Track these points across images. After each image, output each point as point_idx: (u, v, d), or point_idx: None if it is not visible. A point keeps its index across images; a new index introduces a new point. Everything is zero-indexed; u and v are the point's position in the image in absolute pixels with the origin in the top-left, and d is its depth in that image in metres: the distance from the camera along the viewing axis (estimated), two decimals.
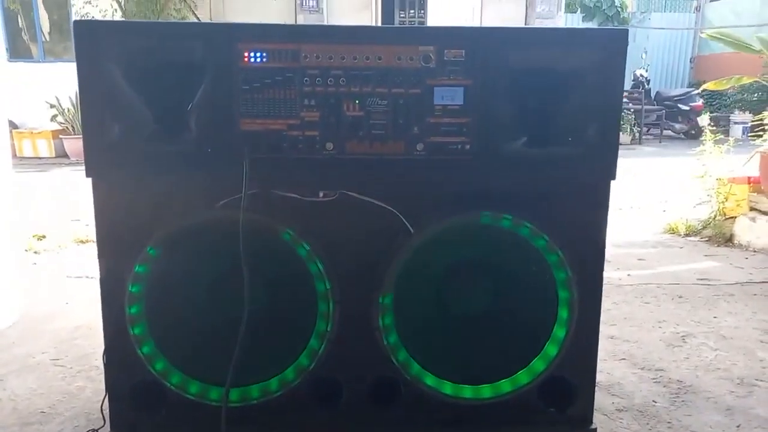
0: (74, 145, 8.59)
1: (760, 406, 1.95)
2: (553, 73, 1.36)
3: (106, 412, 1.52)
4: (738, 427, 1.84)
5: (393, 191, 1.41)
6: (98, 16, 8.56)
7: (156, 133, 1.35)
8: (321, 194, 1.41)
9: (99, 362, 1.52)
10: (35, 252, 3.79)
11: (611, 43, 1.34)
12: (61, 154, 8.93)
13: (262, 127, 1.36)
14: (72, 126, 8.81)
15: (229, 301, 1.41)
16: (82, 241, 4.00)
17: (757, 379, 2.13)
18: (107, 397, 1.50)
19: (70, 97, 8.71)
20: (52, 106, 8.94)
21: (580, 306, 1.45)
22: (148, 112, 1.34)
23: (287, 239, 1.41)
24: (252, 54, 1.33)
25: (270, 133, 1.36)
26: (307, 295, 1.45)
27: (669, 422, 1.86)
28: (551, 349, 1.48)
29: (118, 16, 8.73)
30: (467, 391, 1.49)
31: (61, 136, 8.92)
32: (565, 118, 1.38)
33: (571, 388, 1.53)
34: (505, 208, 1.41)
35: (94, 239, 1.44)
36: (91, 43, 1.31)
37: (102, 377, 1.49)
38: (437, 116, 1.37)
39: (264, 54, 1.33)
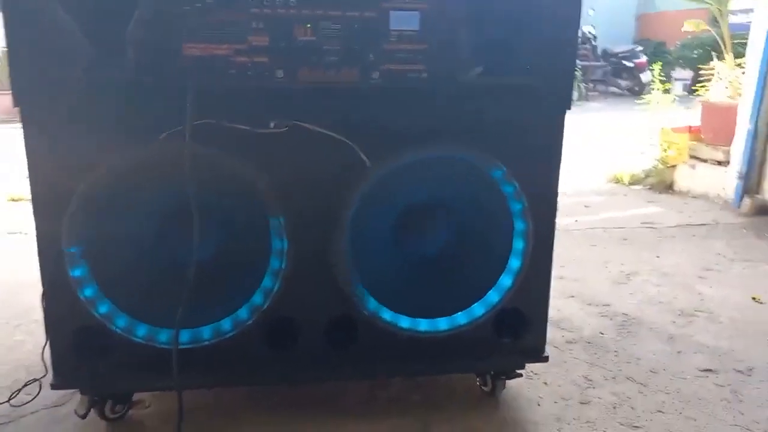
0: (4, 101, 8.04)
1: (698, 334, 2.05)
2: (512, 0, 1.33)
3: (48, 360, 1.45)
4: (679, 353, 1.93)
5: (348, 121, 1.35)
6: None
7: (90, 58, 1.25)
8: (272, 125, 1.34)
9: (40, 317, 1.43)
10: None
11: None
12: None
13: (207, 52, 1.27)
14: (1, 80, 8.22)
15: (177, 239, 1.35)
16: (14, 200, 3.79)
17: (696, 310, 2.23)
18: (48, 344, 1.42)
19: None
20: None
21: (535, 237, 1.46)
22: (82, 35, 1.23)
23: (239, 172, 1.34)
24: None
25: (215, 59, 1.28)
26: (259, 232, 1.40)
27: (616, 351, 1.93)
28: (506, 281, 1.49)
29: None
30: (424, 324, 1.49)
31: None
32: (522, 47, 1.36)
33: (525, 320, 1.55)
34: (462, 139, 1.39)
35: (28, 197, 1.32)
36: None
37: (43, 331, 1.41)
38: (393, 42, 1.31)
39: None
